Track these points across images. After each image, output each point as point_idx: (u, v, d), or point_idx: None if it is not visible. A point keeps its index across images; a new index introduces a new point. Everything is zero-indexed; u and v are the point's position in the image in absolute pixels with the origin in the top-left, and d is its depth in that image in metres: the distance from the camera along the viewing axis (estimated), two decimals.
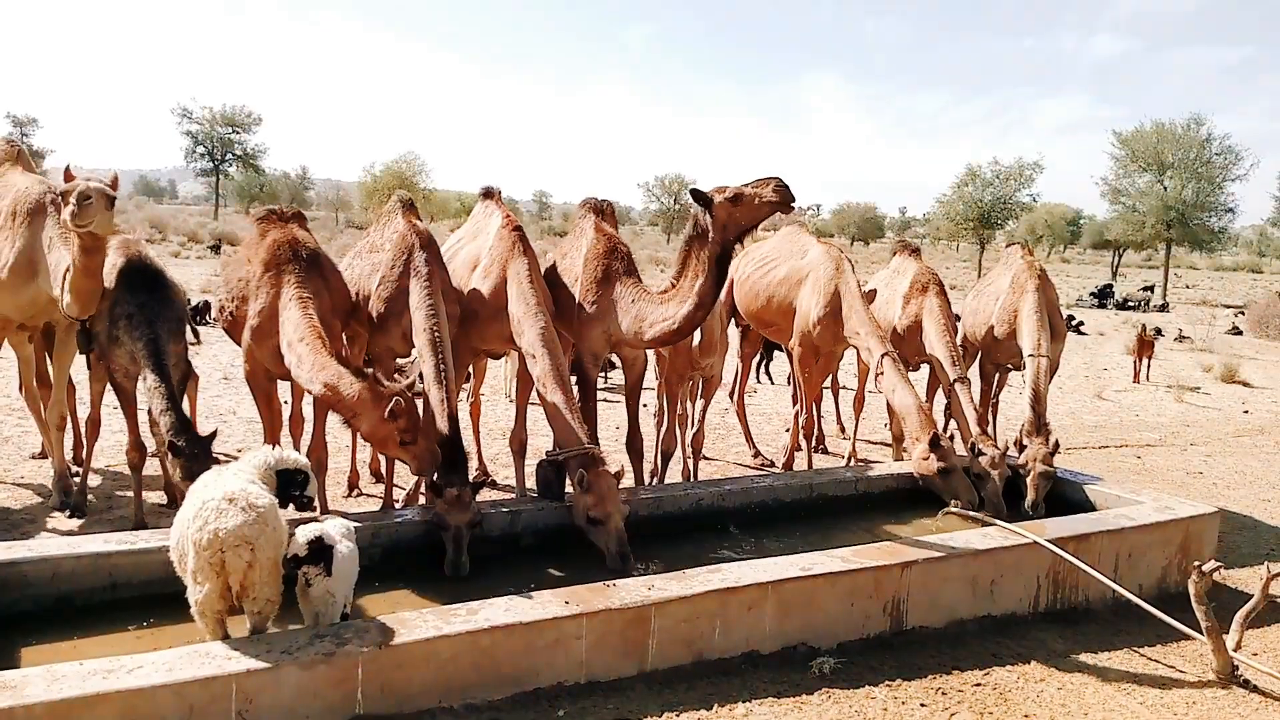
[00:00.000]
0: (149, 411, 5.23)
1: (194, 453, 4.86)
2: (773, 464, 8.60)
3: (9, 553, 4.34)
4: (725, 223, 5.21)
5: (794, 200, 5.12)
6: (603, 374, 13.50)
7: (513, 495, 6.66)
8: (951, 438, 6.50)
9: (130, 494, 6.68)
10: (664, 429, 7.41)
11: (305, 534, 3.80)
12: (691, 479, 7.65)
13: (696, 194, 5.30)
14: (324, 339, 5.10)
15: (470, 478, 5.14)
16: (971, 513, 5.91)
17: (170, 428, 4.88)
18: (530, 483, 6.32)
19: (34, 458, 7.42)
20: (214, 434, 5.09)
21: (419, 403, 5.08)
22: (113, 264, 5.52)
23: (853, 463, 8.50)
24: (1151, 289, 36.12)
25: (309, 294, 5.32)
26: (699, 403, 7.68)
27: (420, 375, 5.26)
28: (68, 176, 5.15)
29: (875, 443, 9.74)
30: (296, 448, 6.38)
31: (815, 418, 8.15)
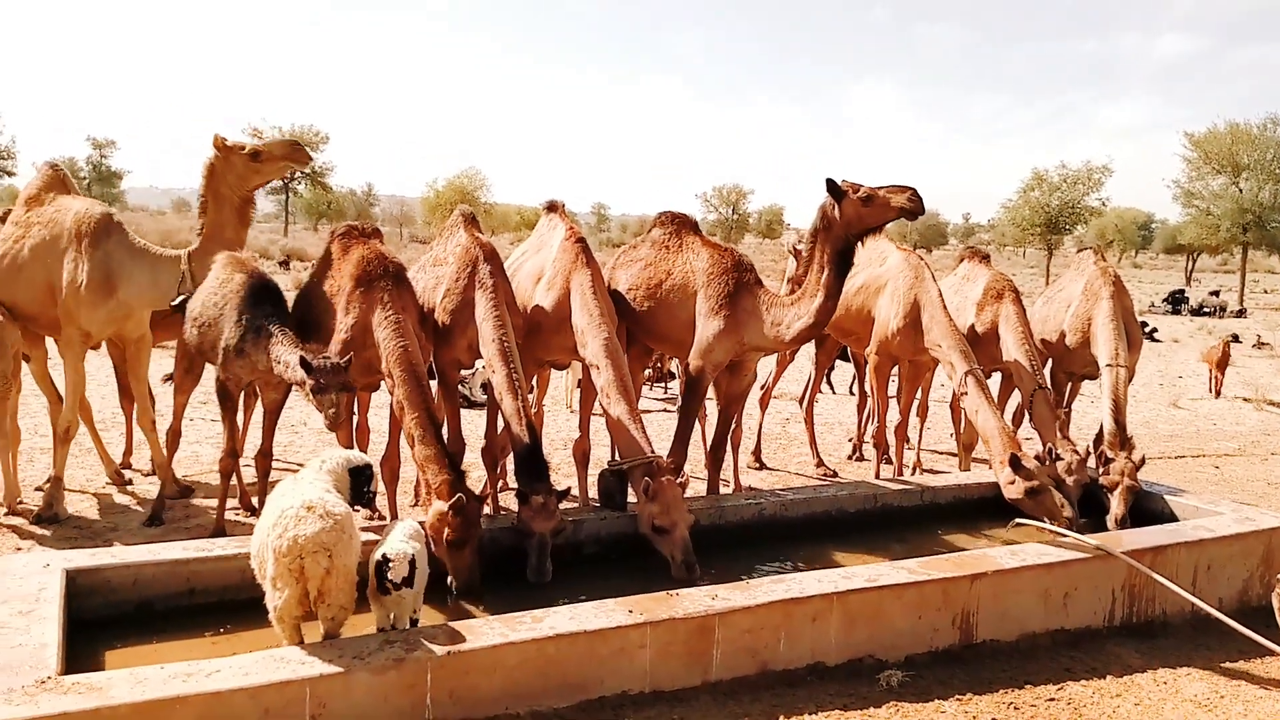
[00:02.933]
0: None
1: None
2: (835, 474, 8.52)
3: (94, 559, 4.49)
4: (852, 220, 5.53)
5: (923, 211, 5.49)
6: (662, 384, 13.53)
7: (575, 504, 6.70)
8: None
9: (205, 503, 6.89)
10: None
11: (385, 548, 3.87)
12: (734, 478, 7.62)
13: (831, 185, 5.55)
14: (433, 409, 5.16)
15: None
16: (1042, 524, 5.78)
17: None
18: (593, 492, 6.36)
19: (117, 470, 7.62)
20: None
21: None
22: (229, 277, 5.66)
23: (918, 472, 8.38)
24: (1218, 294, 35.05)
25: (401, 313, 5.38)
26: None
27: (485, 385, 5.30)
28: (217, 141, 6.18)
29: (941, 452, 9.60)
30: None
31: (884, 427, 8.05)
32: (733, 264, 6.35)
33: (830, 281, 5.70)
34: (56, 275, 6.35)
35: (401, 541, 3.96)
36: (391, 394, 5.28)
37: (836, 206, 5.55)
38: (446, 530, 4.66)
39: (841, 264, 5.67)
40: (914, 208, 5.41)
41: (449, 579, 4.73)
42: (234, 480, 6.34)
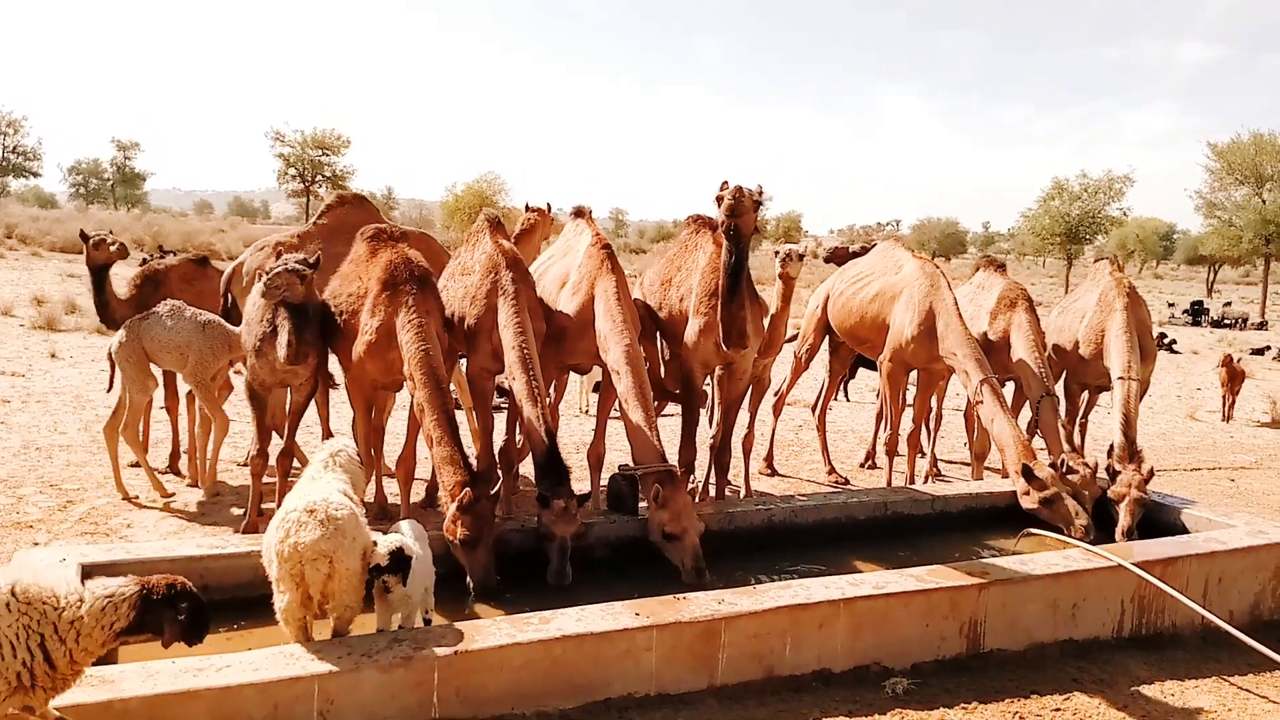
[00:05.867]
0: None
1: None
2: (847, 481, 8.52)
3: (109, 554, 4.57)
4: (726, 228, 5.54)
5: (738, 207, 5.39)
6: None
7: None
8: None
9: (225, 501, 6.97)
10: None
11: (385, 543, 3.92)
12: (744, 483, 7.61)
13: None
14: (451, 411, 5.22)
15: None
16: (1052, 534, 5.77)
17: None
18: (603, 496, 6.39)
19: (130, 466, 7.64)
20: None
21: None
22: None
23: (930, 481, 8.36)
24: (1231, 304, 34.82)
25: (425, 317, 5.44)
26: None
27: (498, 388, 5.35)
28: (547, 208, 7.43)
29: (955, 461, 9.57)
30: (379, 459, 6.59)
31: (897, 434, 8.04)
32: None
33: (723, 289, 5.74)
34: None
35: (395, 536, 4.01)
36: (412, 396, 5.36)
37: None
38: (459, 529, 4.72)
39: (728, 271, 5.65)
40: (728, 208, 5.39)
41: (467, 578, 4.79)
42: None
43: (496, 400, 9.76)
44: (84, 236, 7.49)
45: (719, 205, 5.46)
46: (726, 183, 5.41)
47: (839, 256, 9.96)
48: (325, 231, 7.42)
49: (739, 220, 5.44)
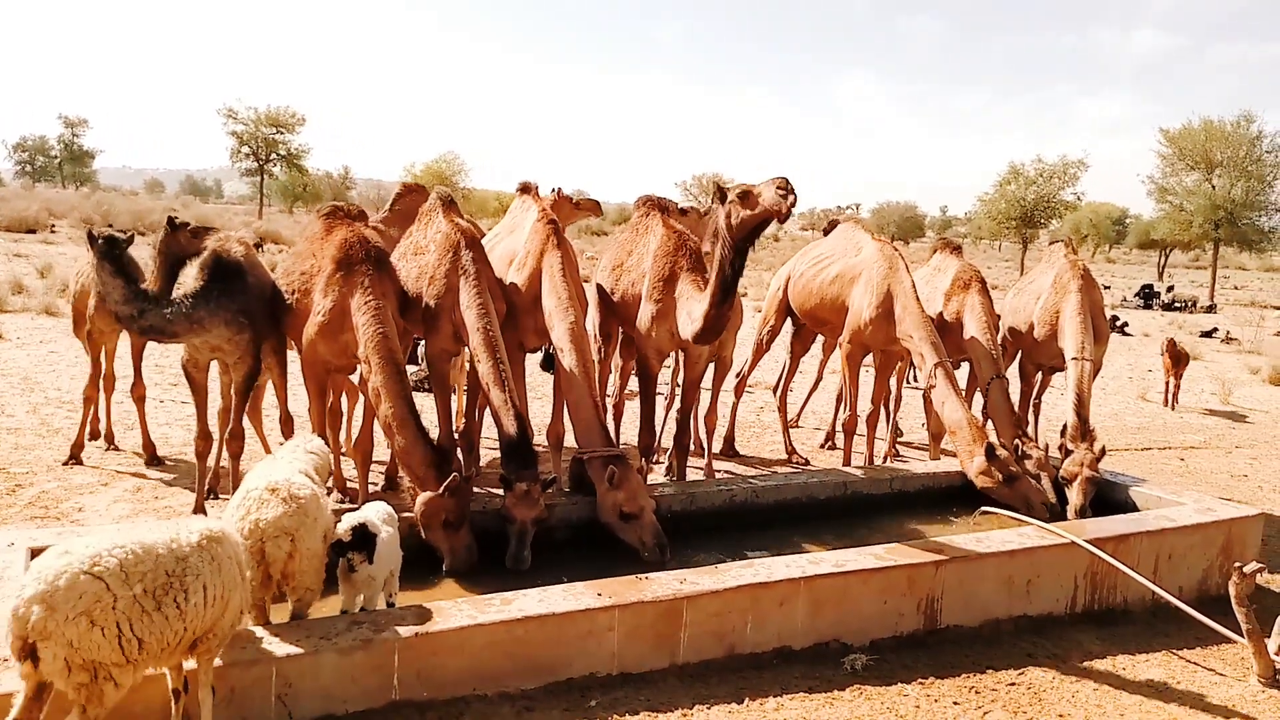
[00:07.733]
0: None
1: None
2: (807, 462, 8.58)
3: (59, 538, 4.43)
4: (733, 221, 5.18)
5: (792, 200, 4.90)
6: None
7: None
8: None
9: (180, 483, 6.85)
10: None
11: (348, 521, 3.88)
12: (706, 456, 7.65)
13: (719, 191, 5.33)
14: (410, 397, 5.10)
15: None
16: (1007, 512, 5.87)
17: None
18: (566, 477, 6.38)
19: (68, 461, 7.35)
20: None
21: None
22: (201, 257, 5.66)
23: (889, 461, 8.45)
24: (1173, 288, 35.57)
25: (381, 299, 5.35)
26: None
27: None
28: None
29: (912, 443, 9.68)
30: (336, 441, 6.51)
31: (856, 415, 8.10)
32: (674, 246, 6.31)
33: (714, 288, 5.49)
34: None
35: (357, 514, 3.99)
36: (367, 380, 5.27)
37: (724, 210, 5.27)
38: (444, 513, 4.70)
39: (730, 268, 5.36)
40: (780, 198, 4.87)
41: (443, 562, 4.78)
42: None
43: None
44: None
45: (747, 199, 5.06)
46: (783, 178, 4.92)
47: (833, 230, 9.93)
48: (400, 217, 7.65)
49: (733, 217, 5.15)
